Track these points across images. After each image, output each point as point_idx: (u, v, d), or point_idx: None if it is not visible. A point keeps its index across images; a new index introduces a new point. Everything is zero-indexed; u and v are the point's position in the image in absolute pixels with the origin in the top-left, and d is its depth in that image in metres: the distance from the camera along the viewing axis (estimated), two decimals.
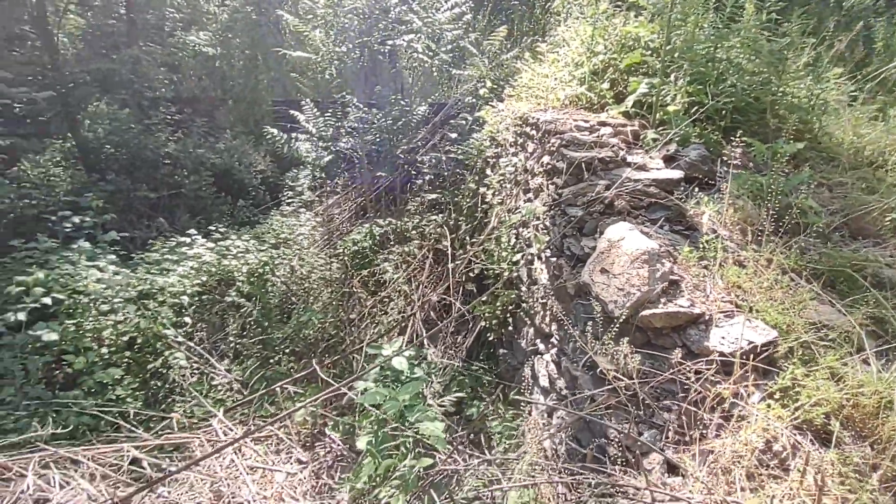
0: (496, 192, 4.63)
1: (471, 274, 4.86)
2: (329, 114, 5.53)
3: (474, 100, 5.81)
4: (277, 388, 3.95)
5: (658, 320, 2.21)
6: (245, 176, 8.65)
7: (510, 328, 4.14)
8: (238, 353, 4.90)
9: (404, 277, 5.43)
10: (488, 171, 4.71)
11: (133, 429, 3.20)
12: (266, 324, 5.00)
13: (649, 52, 4.08)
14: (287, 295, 5.51)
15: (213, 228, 5.56)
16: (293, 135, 5.76)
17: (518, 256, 3.62)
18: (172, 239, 5.77)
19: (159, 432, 3.23)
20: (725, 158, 3.31)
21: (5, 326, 3.86)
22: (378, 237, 5.92)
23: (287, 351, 4.69)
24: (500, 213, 4.46)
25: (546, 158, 3.50)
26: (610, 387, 2.20)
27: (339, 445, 3.70)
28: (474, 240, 5.01)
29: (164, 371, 4.45)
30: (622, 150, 3.16)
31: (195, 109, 9.45)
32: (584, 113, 3.98)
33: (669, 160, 3.14)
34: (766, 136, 3.59)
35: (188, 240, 5.26)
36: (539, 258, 3.40)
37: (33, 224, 5.85)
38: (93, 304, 4.55)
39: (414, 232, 5.88)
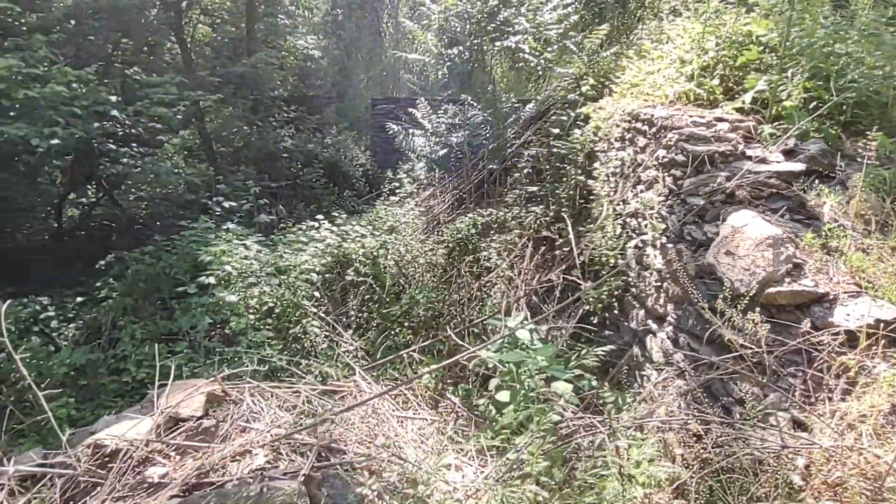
0: (604, 185, 4.90)
1: (576, 262, 5.17)
2: (442, 111, 6.02)
3: (576, 97, 6.08)
4: (404, 355, 4.48)
5: (782, 297, 2.45)
6: (349, 169, 9.41)
7: (615, 311, 4.41)
8: (359, 325, 5.52)
9: (507, 264, 5.82)
10: (597, 165, 4.97)
11: (302, 376, 3.82)
12: (383, 301, 5.58)
13: (764, 48, 4.19)
14: (397, 276, 6.07)
15: (336, 215, 6.22)
16: (409, 130, 6.30)
17: (633, 243, 3.89)
18: (293, 224, 6.53)
19: (321, 381, 3.83)
20: (845, 152, 3.42)
21: (196, 288, 4.62)
22: (480, 226, 6.34)
23: (405, 325, 5.24)
24: (607, 205, 4.73)
25: (662, 152, 3.75)
26: (736, 354, 2.47)
27: (458, 407, 4.17)
28: (579, 229, 5.30)
29: (302, 336, 5.12)
30: (740, 144, 3.36)
31: (304, 108, 10.36)
32: (696, 109, 4.16)
33: (788, 154, 3.30)
34: (890, 130, 3.63)
35: (316, 224, 5.95)
36: (653, 245, 3.67)
37: (189, 208, 6.84)
38: (241, 277, 5.32)
39: (513, 222, 6.25)
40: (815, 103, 3.72)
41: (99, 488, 2.42)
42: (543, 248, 6.11)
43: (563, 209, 5.69)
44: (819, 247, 2.71)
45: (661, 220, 3.59)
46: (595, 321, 4.69)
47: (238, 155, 8.53)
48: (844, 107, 3.68)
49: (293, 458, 2.68)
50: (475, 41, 5.95)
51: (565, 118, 6.13)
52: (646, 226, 3.86)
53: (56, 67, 4.44)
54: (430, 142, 5.94)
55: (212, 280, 4.68)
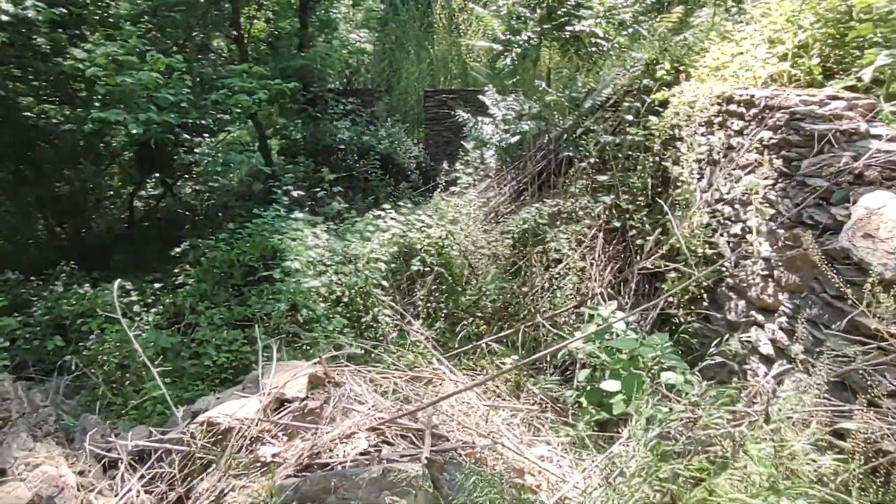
0: (690, 171, 4.69)
1: (654, 252, 4.98)
2: (511, 98, 5.90)
3: (650, 82, 5.85)
4: (483, 345, 4.41)
5: None
6: (404, 161, 9.39)
7: (705, 303, 4.21)
8: (428, 315, 5.47)
9: (579, 255, 5.66)
10: (683, 150, 4.75)
11: (395, 363, 3.80)
12: (451, 291, 5.51)
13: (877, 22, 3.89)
14: (462, 267, 5.99)
15: (402, 205, 6.18)
16: (478, 118, 6.20)
17: (734, 230, 3.69)
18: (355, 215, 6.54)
19: (408, 369, 3.79)
20: None
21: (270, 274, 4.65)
22: (546, 216, 6.19)
23: (478, 315, 5.16)
24: (700, 193, 4.52)
25: (766, 134, 3.54)
26: (878, 343, 2.28)
27: (542, 399, 4.07)
28: (657, 219, 5.10)
29: (374, 325, 5.11)
30: (861, 123, 3.12)
31: (358, 100, 10.40)
32: (800, 89, 3.92)
33: None
34: None
35: (382, 213, 5.93)
36: (758, 232, 3.46)
37: (250, 198, 6.95)
38: (312, 265, 5.35)
39: (581, 212, 6.08)
40: None
41: (214, 465, 2.42)
42: (614, 239, 5.93)
43: (639, 198, 5.49)
44: None
45: (768, 204, 3.38)
46: (680, 313, 4.50)
47: (295, 147, 8.62)
48: None
49: (397, 441, 2.63)
50: (545, 26, 5.79)
51: (639, 104, 5.91)
52: (748, 212, 3.65)
53: (150, 54, 4.55)
54: (499, 129, 5.83)
55: (294, 265, 4.70)
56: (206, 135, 5.98)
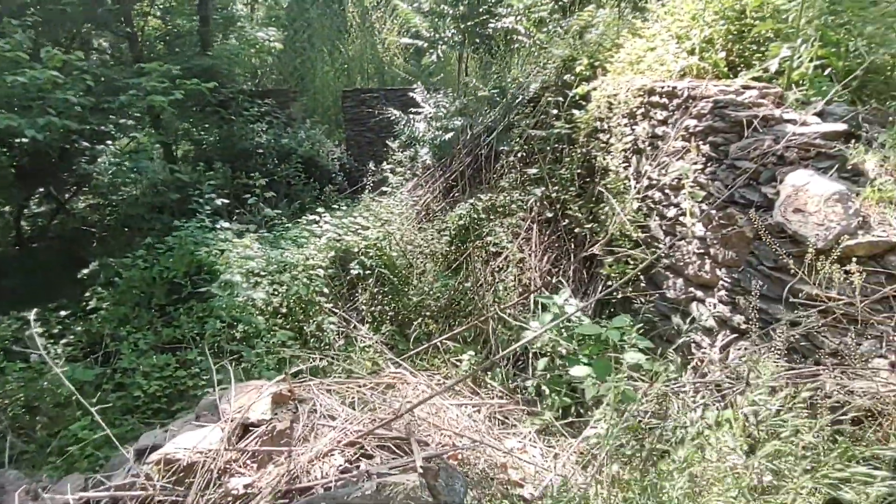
0: (616, 160, 4.93)
1: (588, 240, 5.18)
2: (441, 95, 5.87)
3: (570, 77, 6.09)
4: (437, 344, 4.35)
5: (860, 249, 2.51)
6: (327, 163, 9.08)
7: (642, 284, 4.45)
8: (373, 318, 5.32)
9: (517, 247, 5.77)
10: (611, 140, 4.98)
11: (354, 371, 3.62)
12: (395, 292, 5.40)
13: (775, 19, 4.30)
14: (404, 267, 5.90)
15: (336, 207, 5.96)
16: (410, 116, 6.11)
17: (670, 213, 3.92)
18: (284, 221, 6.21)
19: (368, 376, 3.64)
20: (864, 115, 3.56)
21: (217, 287, 4.28)
22: (481, 211, 6.26)
23: (426, 315, 5.09)
24: (634, 181, 4.75)
25: (692, 122, 3.79)
26: (819, 307, 2.51)
27: (500, 391, 4.09)
28: (591, 207, 5.32)
29: (319, 334, 4.88)
30: (774, 109, 3.43)
31: (274, 101, 9.90)
32: (714, 80, 4.24)
33: (820, 117, 3.40)
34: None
35: (318, 217, 5.68)
36: (691, 214, 3.70)
37: (162, 210, 6.36)
38: (247, 276, 5.00)
39: (514, 205, 6.21)
40: (827, 70, 3.87)
41: None
42: (548, 229, 6.11)
43: (570, 189, 5.69)
44: (875, 201, 2.81)
45: (699, 187, 3.63)
46: (619, 296, 4.72)
47: (206, 153, 8.04)
48: (857, 73, 3.84)
49: (377, 454, 2.52)
50: (469, 24, 5.84)
51: (561, 99, 6.13)
52: (679, 195, 3.90)
53: (45, 50, 3.94)
54: (431, 127, 5.79)
55: (235, 277, 4.36)
56: (108, 142, 5.36)
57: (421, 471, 2.02)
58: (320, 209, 5.69)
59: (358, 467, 2.42)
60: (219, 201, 5.59)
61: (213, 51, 8.80)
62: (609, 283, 4.79)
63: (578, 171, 5.71)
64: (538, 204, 6.07)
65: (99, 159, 5.13)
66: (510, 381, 4.32)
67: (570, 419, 3.60)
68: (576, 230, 5.33)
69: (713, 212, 3.43)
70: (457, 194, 7.39)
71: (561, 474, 2.65)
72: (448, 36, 5.80)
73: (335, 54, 11.60)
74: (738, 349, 3.12)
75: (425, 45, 5.84)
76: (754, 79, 4.12)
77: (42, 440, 3.78)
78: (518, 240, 5.95)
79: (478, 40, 6.23)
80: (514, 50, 6.07)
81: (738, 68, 4.71)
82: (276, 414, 2.64)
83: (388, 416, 2.66)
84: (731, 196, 3.25)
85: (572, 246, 5.77)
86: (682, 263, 3.85)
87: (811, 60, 3.92)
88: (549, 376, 3.69)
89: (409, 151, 6.44)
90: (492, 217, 6.27)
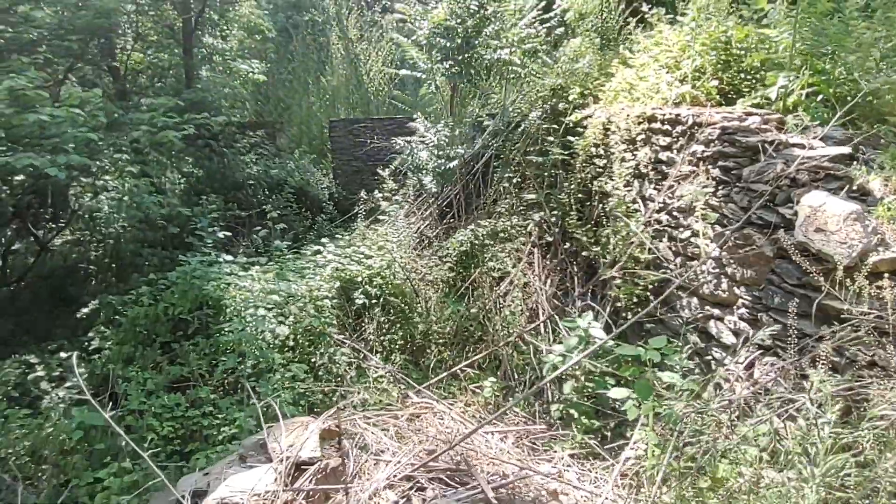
0: (618, 185, 5.08)
1: (591, 263, 5.29)
2: (442, 124, 5.98)
3: (565, 105, 6.29)
4: (458, 370, 4.34)
5: (884, 265, 2.65)
6: (318, 193, 9.06)
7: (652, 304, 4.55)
8: (383, 348, 5.27)
9: (520, 271, 5.84)
10: (613, 165, 5.13)
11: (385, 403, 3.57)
12: (405, 320, 5.37)
13: (769, 49, 4.57)
14: (411, 295, 5.88)
15: (339, 237, 5.94)
16: (412, 145, 6.19)
17: (684, 235, 4.05)
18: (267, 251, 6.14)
19: (405, 407, 3.59)
20: (858, 138, 3.80)
21: (235, 321, 4.17)
22: (481, 237, 6.32)
23: (440, 342, 5.07)
24: (642, 204, 4.89)
25: (699, 147, 3.97)
26: (849, 322, 2.63)
27: (522, 417, 4.09)
28: (595, 231, 5.44)
29: (329, 365, 4.79)
30: (779, 134, 3.62)
31: (260, 133, 9.89)
32: (714, 108, 4.45)
33: (822, 141, 3.61)
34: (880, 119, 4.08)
35: (322, 248, 5.64)
36: (704, 235, 3.84)
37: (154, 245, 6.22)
38: (254, 309, 4.91)
39: (513, 231, 6.30)
40: (819, 97, 4.13)
41: None
42: (548, 253, 6.21)
43: (570, 214, 5.82)
44: (886, 219, 2.98)
45: (711, 209, 3.78)
46: (629, 317, 4.81)
47: (196, 186, 7.93)
48: (848, 98, 4.10)
49: (431, 486, 2.48)
50: (465, 55, 6.00)
51: (556, 126, 6.32)
52: (688, 217, 4.04)
53: (65, 88, 3.88)
54: (433, 155, 5.87)
55: (257, 310, 4.27)
56: (107, 177, 5.24)
57: (496, 502, 2.00)
58: (324, 239, 5.65)
59: (410, 501, 2.38)
60: (220, 234, 5.50)
61: (200, 83, 8.76)
62: (618, 304, 4.88)
63: (578, 196, 5.85)
64: (537, 228, 6.17)
65: (101, 195, 5.00)
66: (529, 406, 4.33)
67: (598, 442, 3.63)
68: (583, 253, 5.42)
69: (727, 232, 3.57)
70: (451, 220, 7.47)
71: (611, 498, 2.66)
72: (445, 67, 5.94)
73: (320, 84, 11.68)
74: (765, 365, 3.22)
75: (422, 75, 5.96)
76: (753, 105, 4.36)
77: (49, 491, 3.58)
78: (521, 264, 6.02)
79: (472, 71, 6.39)
80: (509, 80, 6.24)
81: (730, 95, 4.97)
82: (324, 451, 2.58)
83: (439, 449, 2.63)
84: (747, 217, 3.39)
85: (575, 269, 5.88)
86: (695, 283, 3.97)
87: (802, 88, 4.18)
88: (574, 399, 3.71)
89: (411, 179, 6.49)
90: (492, 243, 6.34)
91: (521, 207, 6.51)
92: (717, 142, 3.77)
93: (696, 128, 4.07)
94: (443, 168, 5.79)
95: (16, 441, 3.65)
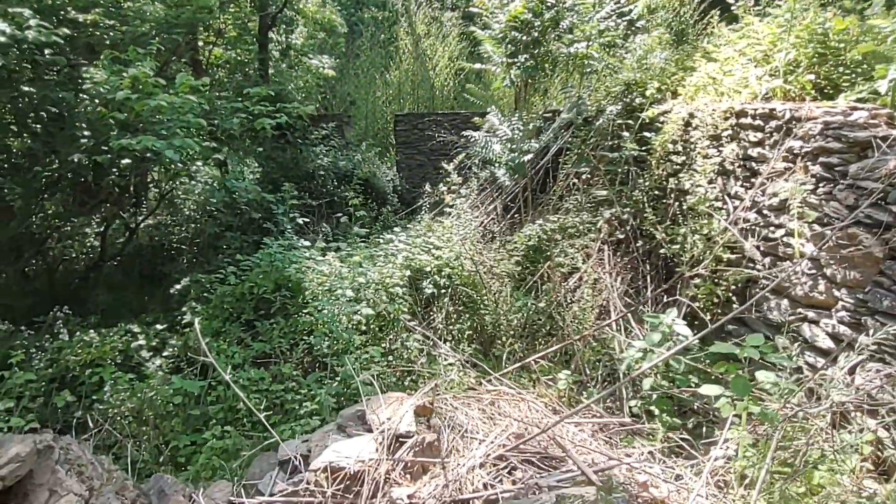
0: (700, 181, 4.94)
1: (674, 260, 5.17)
2: (516, 117, 5.99)
3: (642, 100, 6.16)
4: (531, 362, 4.36)
5: None
6: (384, 185, 9.26)
7: (735, 306, 4.41)
8: (452, 336, 5.35)
9: (591, 267, 5.78)
10: (697, 162, 4.99)
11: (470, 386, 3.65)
12: (475, 310, 5.44)
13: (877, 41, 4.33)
14: (480, 286, 5.94)
15: (410, 227, 6.07)
16: (487, 138, 6.25)
17: (778, 234, 3.90)
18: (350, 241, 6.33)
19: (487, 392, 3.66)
20: None
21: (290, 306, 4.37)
22: (549, 233, 6.30)
23: (511, 333, 5.11)
24: (712, 201, 4.75)
25: (796, 143, 3.80)
26: None
27: (600, 412, 4.06)
28: (672, 228, 5.31)
29: (402, 350, 4.92)
30: (891, 129, 3.43)
31: (330, 125, 10.19)
32: (812, 103, 4.26)
33: None
34: None
35: (393, 237, 5.79)
36: (800, 234, 3.69)
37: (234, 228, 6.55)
38: (329, 293, 5.10)
39: (582, 227, 6.24)
40: None
41: None
42: (619, 250, 6.12)
43: (645, 211, 5.70)
44: None
45: (809, 208, 3.62)
46: (708, 317, 4.67)
47: (272, 174, 8.29)
48: None
49: (523, 467, 2.52)
50: (542, 49, 5.98)
51: (630, 121, 6.20)
52: (781, 216, 3.89)
53: (180, 76, 4.20)
54: (506, 148, 5.90)
55: (344, 292, 4.46)
56: (198, 163, 5.60)
57: (599, 484, 2.02)
58: (396, 229, 5.78)
59: (501, 481, 2.43)
60: (300, 220, 5.73)
61: (276, 77, 9.12)
62: (696, 303, 4.75)
63: (655, 192, 5.72)
64: (607, 225, 6.09)
65: (185, 179, 5.37)
66: (602, 402, 4.29)
67: (680, 438, 3.56)
68: (660, 251, 5.31)
69: (828, 231, 3.41)
70: (515, 215, 7.47)
71: (702, 494, 2.62)
72: (521, 61, 5.94)
73: (388, 79, 11.92)
74: (868, 371, 3.07)
75: (496, 68, 5.99)
76: (858, 100, 4.13)
77: (151, 449, 3.86)
78: (591, 260, 5.96)
79: (547, 65, 6.36)
80: (584, 74, 6.17)
81: (826, 90, 4.73)
82: (418, 426, 2.67)
83: (527, 433, 2.67)
84: (854, 216, 3.23)
85: (647, 268, 5.76)
86: (787, 284, 3.81)
87: None
88: (654, 396, 3.66)
89: (477, 173, 6.54)
90: (560, 238, 6.30)
91: (590, 203, 6.44)
92: (818, 137, 3.61)
93: (793, 123, 3.90)
94: (517, 161, 5.80)
95: (121, 402, 3.95)
